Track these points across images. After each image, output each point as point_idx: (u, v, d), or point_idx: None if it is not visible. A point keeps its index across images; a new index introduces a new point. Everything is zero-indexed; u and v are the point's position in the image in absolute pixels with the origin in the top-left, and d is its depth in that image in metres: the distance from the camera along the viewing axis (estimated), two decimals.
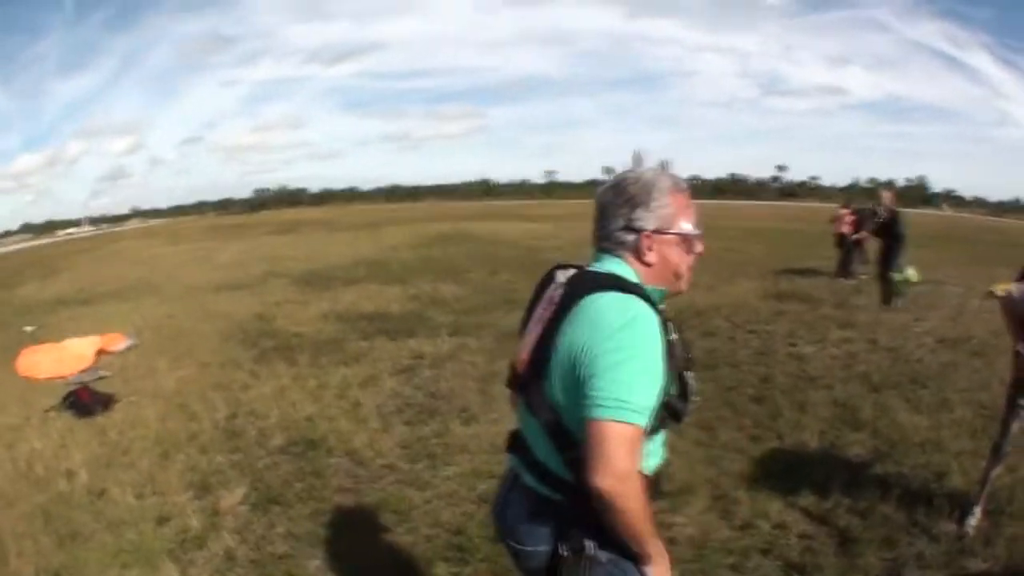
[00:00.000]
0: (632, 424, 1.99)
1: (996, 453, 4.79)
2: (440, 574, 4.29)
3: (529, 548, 2.34)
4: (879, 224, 13.99)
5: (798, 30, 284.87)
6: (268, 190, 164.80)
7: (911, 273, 17.00)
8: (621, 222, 2.28)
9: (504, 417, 6.64)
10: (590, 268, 2.31)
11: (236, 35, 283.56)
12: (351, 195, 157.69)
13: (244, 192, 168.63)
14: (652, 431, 2.13)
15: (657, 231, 2.26)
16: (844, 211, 18.46)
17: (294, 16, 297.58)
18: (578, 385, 2.06)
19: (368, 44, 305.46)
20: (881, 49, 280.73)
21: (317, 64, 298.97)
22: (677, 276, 2.31)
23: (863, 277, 16.79)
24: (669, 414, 2.18)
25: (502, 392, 7.08)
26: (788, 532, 4.70)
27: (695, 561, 4.35)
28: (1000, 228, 47.72)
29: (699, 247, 2.31)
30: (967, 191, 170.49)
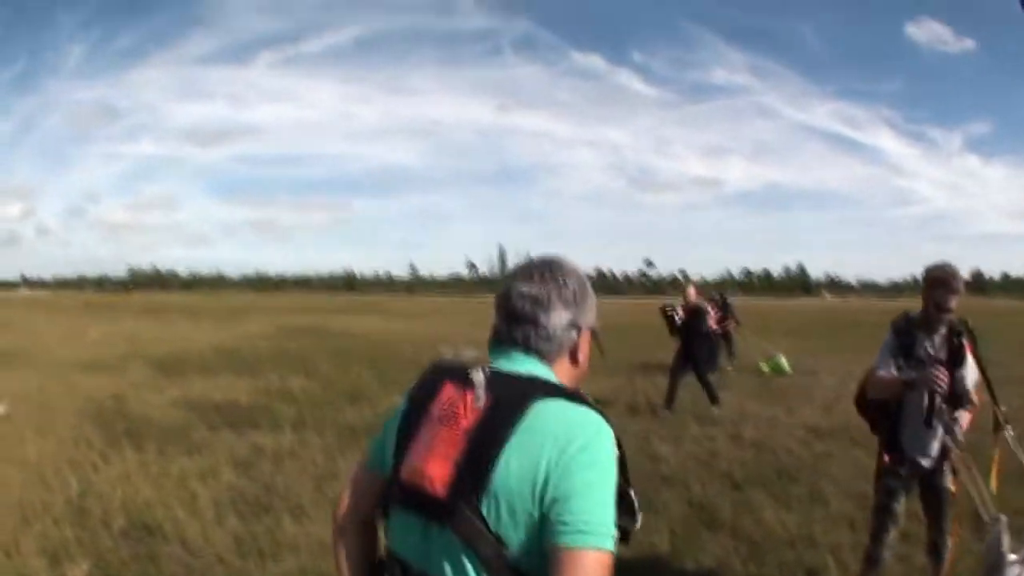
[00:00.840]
0: (610, 553, 1.71)
1: (872, 558, 4.67)
2: None
3: None
4: (681, 322, 12.87)
5: (674, 122, 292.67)
6: (141, 270, 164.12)
7: (781, 362, 17.56)
8: (567, 318, 2.02)
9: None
10: (505, 370, 1.95)
11: (123, 108, 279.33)
12: (218, 281, 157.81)
13: (120, 269, 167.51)
14: None
15: (590, 330, 2.09)
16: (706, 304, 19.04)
17: (177, 93, 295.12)
18: (540, 510, 1.71)
19: (242, 127, 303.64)
20: (764, 136, 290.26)
21: (192, 145, 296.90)
22: (582, 379, 2.07)
23: (728, 370, 17.28)
24: (620, 536, 1.83)
25: (337, 491, 7.29)
26: None
27: None
28: (890, 310, 49.11)
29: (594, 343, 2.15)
30: (853, 276, 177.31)
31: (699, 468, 8.70)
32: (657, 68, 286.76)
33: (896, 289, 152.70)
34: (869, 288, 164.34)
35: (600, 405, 1.84)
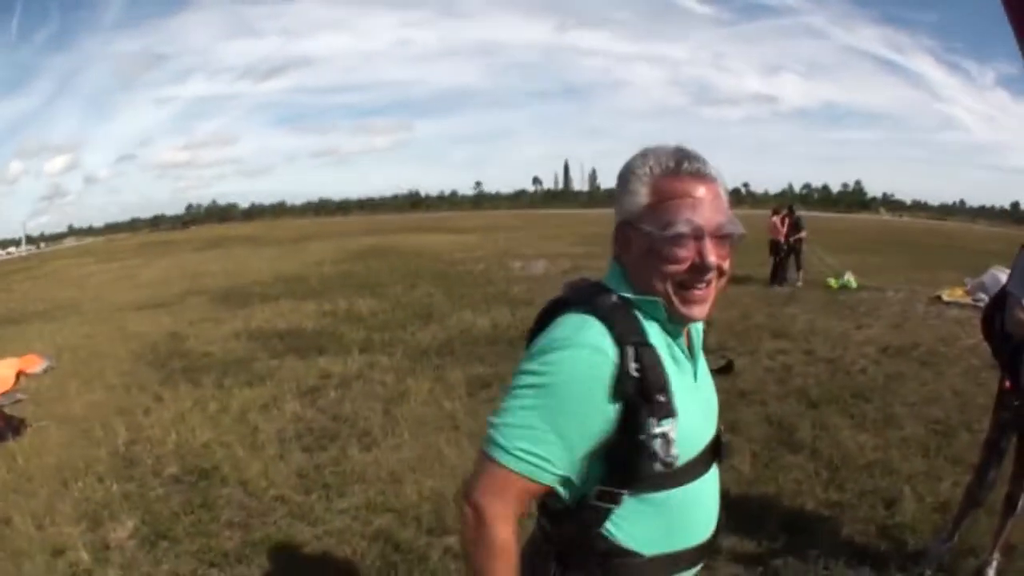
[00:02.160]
0: (501, 465, 1.65)
1: (972, 494, 4.26)
2: None
3: None
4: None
5: (730, 39, 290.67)
6: (199, 206, 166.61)
7: (848, 279, 17.17)
8: (617, 216, 1.82)
9: (405, 443, 6.77)
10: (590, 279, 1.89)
11: (169, 53, 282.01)
12: (280, 210, 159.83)
13: (176, 208, 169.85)
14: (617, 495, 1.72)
15: (626, 223, 1.78)
16: (775, 217, 18.49)
17: (225, 33, 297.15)
18: None
19: (297, 60, 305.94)
20: (816, 56, 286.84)
21: (248, 81, 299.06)
22: (659, 288, 1.73)
23: (798, 285, 16.81)
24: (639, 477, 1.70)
25: (406, 414, 6.99)
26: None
27: None
28: (943, 231, 48.68)
29: (674, 253, 1.70)
30: (907, 195, 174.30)
31: (775, 385, 8.41)
32: None
33: (945, 211, 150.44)
34: (921, 208, 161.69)
35: None
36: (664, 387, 1.65)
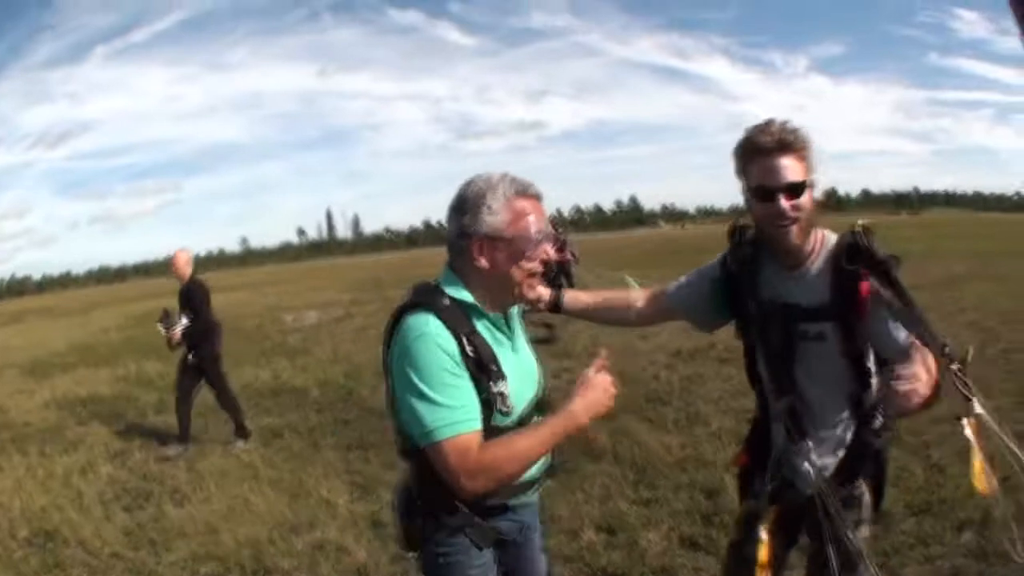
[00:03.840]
0: (449, 439, 2.25)
1: None
2: None
3: None
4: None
5: (493, 69, 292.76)
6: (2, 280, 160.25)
7: (628, 281, 18.05)
8: (455, 228, 2.41)
9: (213, 496, 7.39)
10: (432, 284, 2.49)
11: None
12: (67, 280, 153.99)
13: None
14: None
15: (488, 236, 2.36)
16: None
17: (25, 100, 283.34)
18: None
19: (81, 124, 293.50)
20: (586, 75, 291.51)
21: (40, 148, 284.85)
22: (509, 283, 2.42)
23: None
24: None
25: (209, 468, 7.89)
26: None
27: None
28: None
29: (535, 254, 2.41)
30: (690, 204, 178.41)
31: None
32: (476, 17, 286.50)
33: (739, 213, 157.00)
34: (709, 214, 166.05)
35: None
36: (493, 358, 2.36)
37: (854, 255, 2.55)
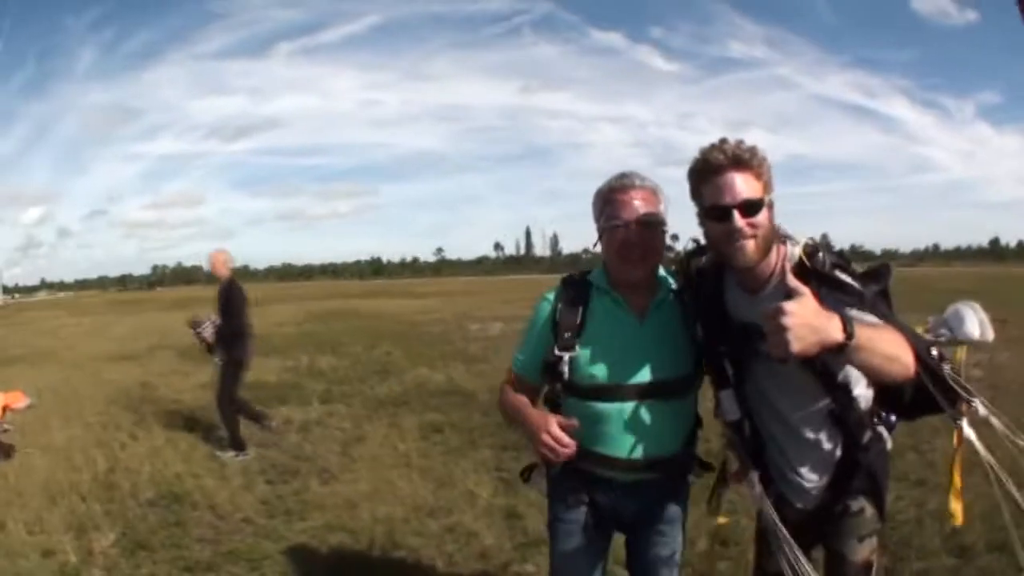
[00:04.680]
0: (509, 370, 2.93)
1: None
2: None
3: None
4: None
5: (695, 97, 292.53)
6: (165, 267, 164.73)
7: None
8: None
9: (361, 478, 7.32)
10: None
11: (141, 108, 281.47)
12: (243, 274, 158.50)
13: (143, 268, 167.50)
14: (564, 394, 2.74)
15: (598, 229, 2.74)
16: None
17: (195, 90, 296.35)
18: None
19: (265, 120, 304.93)
20: (783, 108, 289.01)
21: (215, 140, 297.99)
22: (610, 259, 2.71)
23: None
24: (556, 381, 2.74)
25: (363, 454, 7.49)
26: None
27: None
28: (912, 278, 48.46)
29: (615, 236, 2.65)
30: (876, 245, 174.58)
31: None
32: (675, 43, 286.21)
33: (916, 257, 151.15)
34: (891, 256, 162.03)
35: None
36: (573, 330, 2.68)
37: (802, 272, 2.33)
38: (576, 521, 2.82)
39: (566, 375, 2.65)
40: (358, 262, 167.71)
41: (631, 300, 2.70)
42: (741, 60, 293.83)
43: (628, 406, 2.62)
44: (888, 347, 2.12)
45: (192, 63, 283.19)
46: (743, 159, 2.40)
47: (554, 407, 2.72)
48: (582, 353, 2.63)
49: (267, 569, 5.30)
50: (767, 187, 2.45)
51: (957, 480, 2.53)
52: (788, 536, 2.60)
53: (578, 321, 2.66)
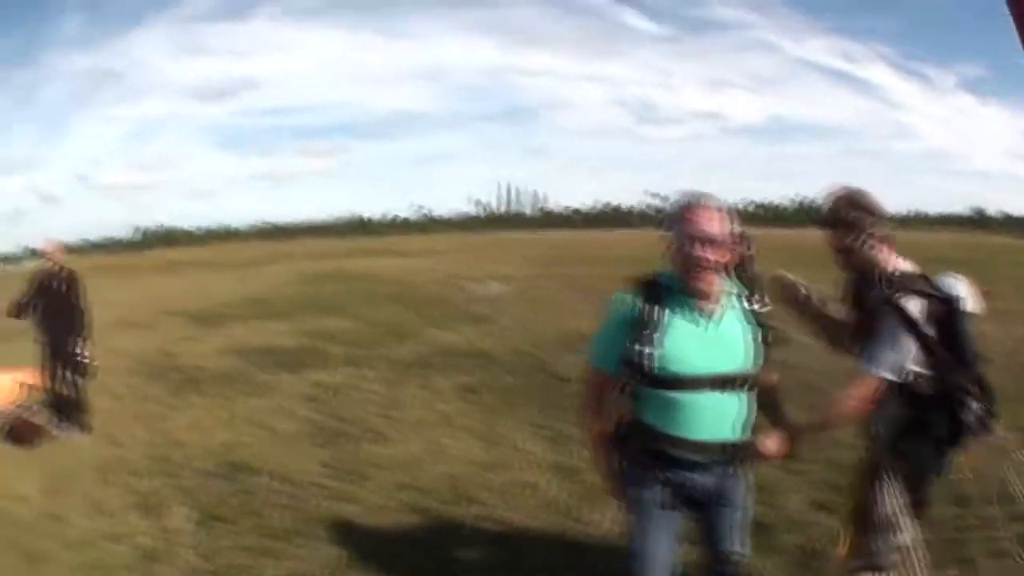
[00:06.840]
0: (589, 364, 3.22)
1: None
2: None
3: None
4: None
5: (675, 56, 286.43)
6: (148, 229, 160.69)
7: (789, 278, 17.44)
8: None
9: (410, 439, 7.47)
10: None
11: (122, 71, 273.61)
12: (227, 234, 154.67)
13: (125, 231, 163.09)
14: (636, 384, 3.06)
15: (670, 242, 3.01)
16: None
17: (176, 52, 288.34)
18: None
19: (244, 81, 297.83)
20: (764, 70, 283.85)
21: (197, 101, 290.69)
22: (679, 271, 3.00)
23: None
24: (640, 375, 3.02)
25: (405, 417, 7.73)
26: None
27: None
28: (900, 242, 48.23)
29: (684, 249, 2.95)
30: None
31: None
32: (659, 4, 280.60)
33: (898, 222, 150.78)
34: None
35: None
36: (652, 327, 2.98)
37: None
38: (653, 500, 3.17)
39: (646, 368, 2.97)
40: (342, 220, 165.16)
41: (700, 303, 3.03)
42: (724, 22, 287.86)
43: (699, 396, 3.00)
44: None
45: (174, 26, 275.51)
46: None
47: (632, 396, 3.12)
48: (661, 349, 2.97)
49: (353, 529, 5.39)
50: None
51: None
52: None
53: (656, 320, 2.99)
